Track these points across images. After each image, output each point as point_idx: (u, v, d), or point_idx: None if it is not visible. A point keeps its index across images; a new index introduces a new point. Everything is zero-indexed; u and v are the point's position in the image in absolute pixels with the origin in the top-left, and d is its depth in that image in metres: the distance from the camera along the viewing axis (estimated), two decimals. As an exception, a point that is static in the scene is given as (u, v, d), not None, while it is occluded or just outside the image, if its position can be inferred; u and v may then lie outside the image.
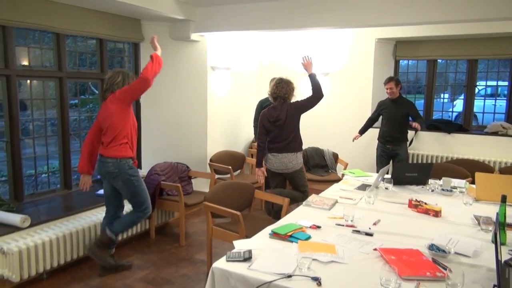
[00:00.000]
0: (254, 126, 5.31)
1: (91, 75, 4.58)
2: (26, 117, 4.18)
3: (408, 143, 5.07)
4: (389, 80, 4.83)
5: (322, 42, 6.07)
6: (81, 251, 3.55)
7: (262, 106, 5.11)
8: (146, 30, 5.09)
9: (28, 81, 4.09)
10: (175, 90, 5.33)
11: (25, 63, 4.00)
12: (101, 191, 4.21)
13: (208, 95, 5.30)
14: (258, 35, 6.22)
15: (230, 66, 5.60)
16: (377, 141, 5.14)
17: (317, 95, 3.84)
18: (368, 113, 5.58)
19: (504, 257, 2.03)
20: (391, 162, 4.99)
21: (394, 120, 4.86)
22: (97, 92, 4.75)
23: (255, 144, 5.92)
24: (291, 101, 3.91)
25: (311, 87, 3.87)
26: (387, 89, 4.85)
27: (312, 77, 3.87)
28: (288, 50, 6.28)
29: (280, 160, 3.84)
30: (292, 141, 3.85)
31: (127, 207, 3.62)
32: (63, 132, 4.23)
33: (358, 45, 5.87)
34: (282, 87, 3.84)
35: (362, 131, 5.17)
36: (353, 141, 5.18)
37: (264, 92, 5.56)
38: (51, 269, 3.35)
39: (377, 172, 4.94)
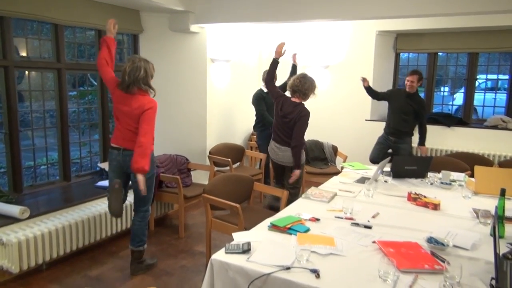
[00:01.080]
0: (257, 113, 5.21)
1: (90, 67, 4.55)
2: (25, 109, 4.17)
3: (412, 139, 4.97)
4: (413, 73, 4.69)
5: (322, 35, 6.04)
6: (81, 242, 3.56)
7: (262, 94, 5.11)
8: (145, 21, 5.05)
9: (27, 72, 4.07)
10: (174, 83, 5.31)
11: (24, 54, 3.97)
12: (101, 183, 4.23)
13: (208, 88, 5.27)
14: (258, 27, 6.19)
15: (230, 58, 5.57)
16: (377, 134, 5.09)
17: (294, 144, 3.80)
18: (368, 106, 5.57)
19: (502, 250, 2.04)
20: (389, 152, 4.94)
21: (401, 113, 4.75)
22: (96, 83, 4.73)
23: (254, 136, 5.94)
24: (305, 113, 3.73)
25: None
26: (407, 81, 4.68)
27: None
28: (288, 43, 6.24)
29: (283, 153, 3.82)
30: (289, 138, 3.78)
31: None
32: (62, 124, 4.22)
33: (358, 37, 5.84)
34: (304, 82, 3.74)
35: (367, 87, 5.01)
36: (361, 78, 5.02)
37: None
38: (50, 260, 3.36)
39: (369, 158, 4.94)
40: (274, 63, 4.01)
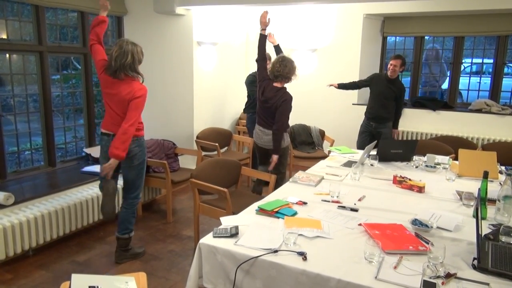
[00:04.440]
0: (250, 94, 5.14)
1: (73, 50, 4.45)
2: (7, 93, 4.07)
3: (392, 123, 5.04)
4: (397, 57, 4.67)
5: (309, 18, 5.99)
6: (68, 228, 3.54)
7: (254, 80, 5.05)
8: (129, 2, 4.93)
9: (7, 55, 3.96)
10: (160, 66, 5.23)
11: (3, 36, 3.86)
12: (87, 168, 4.18)
13: (194, 71, 5.21)
14: (245, 10, 6.10)
15: (217, 41, 5.49)
16: (363, 117, 5.13)
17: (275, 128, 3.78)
18: (355, 90, 5.57)
19: (484, 231, 2.10)
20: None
21: (382, 98, 4.78)
22: (80, 67, 4.63)
23: (243, 121, 5.92)
24: (286, 98, 3.67)
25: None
26: (390, 64, 4.66)
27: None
28: (275, 25, 6.18)
29: (267, 136, 3.79)
30: (272, 122, 3.74)
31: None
32: (46, 109, 4.14)
33: (345, 21, 5.81)
34: (285, 65, 3.65)
35: (341, 86, 5.03)
36: (327, 86, 5.07)
37: (251, 67, 5.50)
38: (37, 246, 3.34)
39: (356, 146, 4.99)
40: (261, 38, 3.90)
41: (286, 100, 3.65)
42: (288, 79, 3.71)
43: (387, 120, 4.90)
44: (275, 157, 3.71)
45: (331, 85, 5.05)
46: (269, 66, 3.83)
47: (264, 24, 3.87)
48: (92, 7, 4.39)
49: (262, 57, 3.90)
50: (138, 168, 3.18)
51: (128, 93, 2.98)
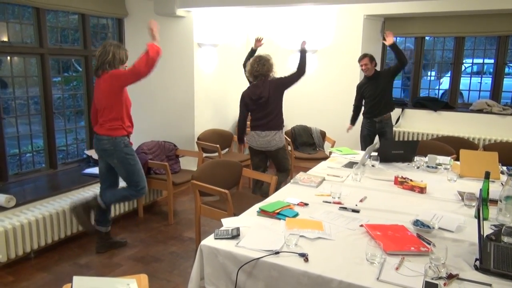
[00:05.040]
0: None
1: (74, 52, 4.46)
2: (8, 95, 4.07)
3: (394, 121, 5.04)
4: (364, 56, 4.69)
5: (310, 19, 5.99)
6: (69, 230, 3.54)
7: None
8: (130, 5, 4.94)
9: (9, 57, 3.97)
10: (161, 68, 5.21)
11: (5, 39, 3.86)
12: (88, 170, 4.19)
13: (195, 73, 5.21)
14: (245, 11, 6.11)
15: (217, 42, 5.50)
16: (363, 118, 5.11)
17: (301, 71, 3.85)
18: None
19: (486, 231, 2.09)
20: (377, 138, 4.97)
21: (376, 96, 4.75)
22: (80, 69, 4.64)
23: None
24: (273, 78, 3.86)
25: (298, 62, 3.85)
26: (361, 65, 4.70)
27: (304, 54, 3.90)
28: (276, 27, 6.20)
29: (263, 138, 3.84)
30: (275, 118, 3.84)
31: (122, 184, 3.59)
32: (47, 111, 4.15)
33: (346, 22, 5.81)
34: (263, 64, 3.77)
35: (353, 120, 5.04)
36: (347, 131, 5.07)
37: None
38: (38, 248, 3.34)
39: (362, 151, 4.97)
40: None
41: (277, 78, 3.87)
42: (267, 76, 3.83)
43: (388, 109, 4.84)
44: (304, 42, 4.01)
45: (349, 129, 5.06)
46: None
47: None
48: (92, 9, 4.40)
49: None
50: (122, 164, 3.25)
51: (104, 81, 3.10)
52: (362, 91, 4.90)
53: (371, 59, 4.69)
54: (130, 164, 3.28)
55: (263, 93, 3.76)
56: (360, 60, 4.74)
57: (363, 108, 4.99)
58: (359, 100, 4.98)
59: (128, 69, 3.09)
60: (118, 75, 3.09)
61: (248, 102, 3.85)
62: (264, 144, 3.85)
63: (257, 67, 3.78)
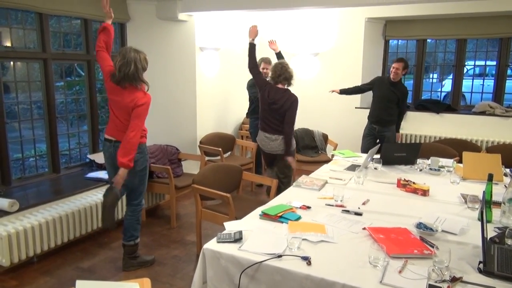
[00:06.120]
0: (251, 97, 5.18)
1: (76, 56, 4.48)
2: (11, 100, 4.09)
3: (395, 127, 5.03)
4: (400, 60, 4.66)
5: (311, 22, 6.01)
6: (72, 234, 3.55)
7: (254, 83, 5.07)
8: (132, 9, 4.97)
9: (12, 63, 3.99)
10: (163, 72, 5.25)
11: (8, 44, 3.89)
12: (91, 174, 4.20)
13: (197, 77, 5.23)
14: (247, 15, 6.12)
15: (219, 46, 5.52)
16: (366, 121, 5.12)
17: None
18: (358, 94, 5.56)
19: (490, 234, 2.08)
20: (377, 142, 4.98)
21: (384, 101, 4.76)
22: (83, 74, 4.66)
23: (246, 125, 5.93)
24: (294, 99, 3.76)
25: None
26: (393, 68, 4.65)
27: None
28: (277, 30, 6.21)
29: (272, 142, 3.82)
30: (279, 125, 3.79)
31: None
32: (50, 115, 4.16)
33: (348, 25, 5.82)
34: (287, 68, 3.80)
35: (344, 91, 5.06)
36: (330, 92, 5.09)
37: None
38: (41, 252, 3.35)
39: (361, 150, 4.98)
40: (251, 47, 4.09)
41: (295, 101, 3.76)
42: (288, 80, 3.81)
43: (391, 123, 4.88)
44: (290, 159, 3.81)
45: (333, 91, 5.06)
46: (266, 71, 3.88)
47: (254, 34, 4.13)
48: (95, 15, 4.42)
49: (254, 64, 4.06)
50: (140, 174, 3.17)
51: (131, 101, 2.97)
52: (377, 85, 4.87)
53: (405, 67, 4.67)
54: (145, 173, 3.22)
55: (281, 101, 3.73)
56: (394, 62, 4.72)
57: (368, 111, 5.00)
58: (366, 88, 5.01)
59: (137, 123, 2.99)
60: (138, 114, 2.98)
61: (264, 93, 3.82)
62: (273, 148, 3.86)
63: (280, 70, 3.78)
